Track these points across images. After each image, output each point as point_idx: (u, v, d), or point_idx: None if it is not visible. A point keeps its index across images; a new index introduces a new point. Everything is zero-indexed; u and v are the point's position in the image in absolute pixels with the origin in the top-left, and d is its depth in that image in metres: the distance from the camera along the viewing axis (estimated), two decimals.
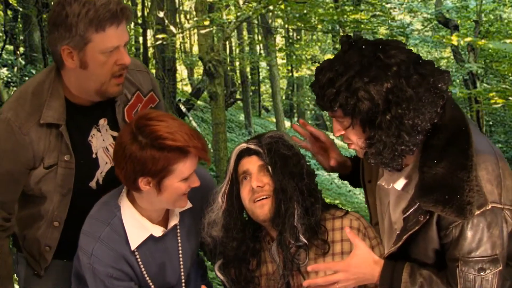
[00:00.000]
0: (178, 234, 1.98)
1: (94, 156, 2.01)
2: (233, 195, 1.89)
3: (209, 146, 12.02)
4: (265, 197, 1.83)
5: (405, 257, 1.73)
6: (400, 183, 1.72)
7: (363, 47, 1.59)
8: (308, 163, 1.95)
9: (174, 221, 1.94)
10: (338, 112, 1.61)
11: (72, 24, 1.78)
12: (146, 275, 1.93)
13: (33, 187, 1.96)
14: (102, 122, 2.02)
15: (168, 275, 1.99)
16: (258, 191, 1.83)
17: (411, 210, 1.66)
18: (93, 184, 2.02)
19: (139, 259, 1.90)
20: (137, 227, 1.87)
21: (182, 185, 1.79)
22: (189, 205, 1.93)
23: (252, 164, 1.86)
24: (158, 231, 1.90)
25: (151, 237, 1.90)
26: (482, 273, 1.60)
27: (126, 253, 1.87)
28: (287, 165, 1.84)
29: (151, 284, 1.95)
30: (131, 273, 1.90)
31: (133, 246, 1.87)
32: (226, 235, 1.88)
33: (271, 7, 10.22)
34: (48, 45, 1.96)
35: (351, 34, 1.70)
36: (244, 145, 1.89)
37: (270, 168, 1.84)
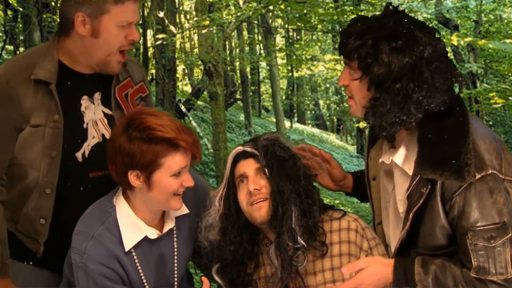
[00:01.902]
0: (175, 239, 1.97)
1: (85, 126, 2.03)
2: (230, 199, 1.89)
3: (209, 146, 12.02)
4: (262, 199, 1.83)
5: (414, 244, 1.74)
6: (399, 156, 1.75)
7: (404, 18, 1.67)
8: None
9: (169, 225, 1.93)
10: (354, 62, 1.67)
11: None
12: (143, 277, 1.91)
13: (18, 153, 1.96)
14: (97, 95, 2.06)
15: (161, 280, 1.97)
16: (255, 194, 1.83)
17: (413, 185, 1.68)
18: (79, 155, 2.02)
19: (136, 260, 1.88)
20: (132, 227, 1.86)
21: (172, 181, 1.78)
22: (185, 210, 1.93)
23: (248, 167, 1.86)
24: (153, 233, 1.89)
25: (146, 239, 1.89)
26: (492, 241, 1.60)
27: (119, 254, 1.85)
28: (284, 167, 1.84)
29: (146, 284, 1.93)
30: (123, 276, 1.87)
31: (127, 247, 1.85)
32: (224, 239, 1.88)
33: (271, 7, 10.21)
34: (60, 9, 2.01)
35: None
36: (240, 148, 1.89)
37: (266, 171, 1.84)
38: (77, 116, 2.02)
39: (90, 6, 1.88)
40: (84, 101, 2.04)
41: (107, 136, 2.05)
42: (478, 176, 1.60)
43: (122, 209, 1.87)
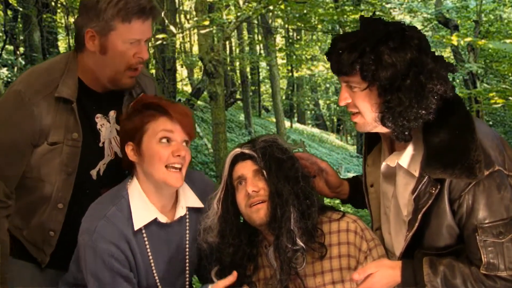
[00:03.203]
0: (187, 230, 1.97)
1: (101, 145, 2.05)
2: (228, 201, 1.88)
3: (209, 146, 12.01)
4: (260, 201, 1.82)
5: (419, 245, 1.74)
6: (405, 158, 1.75)
7: (387, 21, 1.70)
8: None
9: (180, 213, 1.94)
10: (355, 76, 1.66)
11: (101, 10, 1.89)
12: (151, 261, 1.91)
13: (32, 168, 1.96)
14: (112, 114, 2.08)
15: (171, 268, 1.97)
16: (253, 196, 1.82)
17: (421, 186, 1.67)
18: (94, 173, 2.04)
19: (146, 242, 1.89)
20: (143, 209, 1.88)
21: (160, 148, 1.82)
22: (199, 204, 1.97)
23: (246, 169, 1.85)
24: (163, 218, 1.91)
25: (157, 224, 1.90)
26: (501, 237, 1.61)
27: (129, 235, 1.86)
28: (282, 169, 1.83)
29: (154, 270, 1.92)
30: (131, 260, 1.88)
31: (136, 226, 1.86)
32: (222, 241, 1.88)
33: (271, 7, 10.21)
34: (74, 25, 2.06)
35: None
36: (238, 150, 1.89)
37: (265, 173, 1.83)
38: (94, 135, 2.04)
39: (98, 23, 1.90)
40: (99, 119, 2.05)
41: (120, 154, 2.06)
42: (486, 172, 1.61)
43: (135, 193, 1.89)
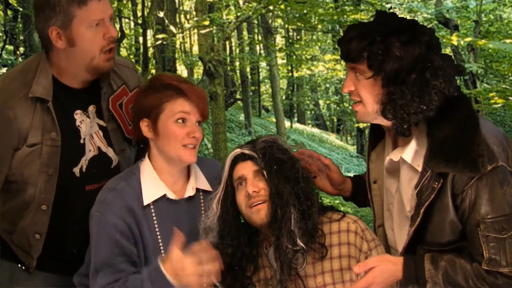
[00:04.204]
0: (202, 209, 1.98)
1: (82, 141, 2.03)
2: (228, 202, 1.88)
3: (209, 146, 12.02)
4: (261, 202, 1.82)
5: (421, 241, 1.75)
6: (408, 153, 1.76)
7: (401, 17, 1.73)
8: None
9: (189, 192, 1.96)
10: (362, 64, 1.68)
11: (55, 3, 1.86)
12: (159, 236, 1.91)
13: (14, 171, 1.95)
14: (91, 109, 2.05)
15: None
16: (254, 196, 1.82)
17: (424, 181, 1.68)
18: (76, 170, 2.02)
19: (154, 217, 1.90)
20: (153, 185, 1.91)
21: (177, 128, 1.86)
22: (209, 187, 1.99)
23: (247, 169, 1.85)
24: (172, 194, 1.93)
25: (166, 200, 1.92)
26: (503, 233, 1.62)
27: (137, 210, 1.88)
28: (282, 169, 1.83)
29: (161, 246, 1.92)
30: (137, 235, 1.88)
31: (146, 201, 1.89)
32: (221, 242, 1.87)
33: (271, 7, 10.21)
34: (36, 30, 2.02)
35: None
36: (238, 151, 1.88)
37: (265, 173, 1.83)
38: (73, 132, 2.01)
39: (58, 18, 1.87)
40: (78, 116, 2.03)
41: (103, 148, 2.07)
42: (489, 167, 1.62)
43: (146, 169, 1.93)
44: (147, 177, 1.92)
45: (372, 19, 1.77)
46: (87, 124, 2.03)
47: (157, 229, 1.91)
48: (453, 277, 1.67)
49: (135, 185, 1.90)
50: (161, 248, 1.92)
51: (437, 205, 1.69)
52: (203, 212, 1.97)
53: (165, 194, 1.92)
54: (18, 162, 1.94)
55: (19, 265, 2.08)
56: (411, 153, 1.76)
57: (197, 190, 1.99)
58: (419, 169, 1.72)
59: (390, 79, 1.65)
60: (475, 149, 1.61)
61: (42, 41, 1.97)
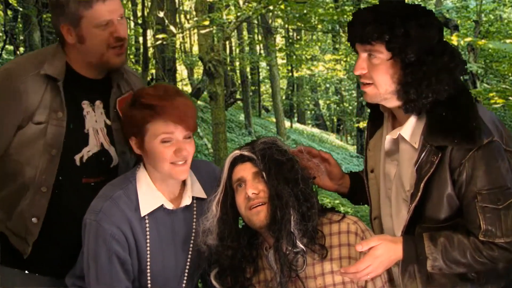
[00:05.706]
0: (194, 219, 1.98)
1: (85, 131, 2.06)
2: (227, 203, 1.88)
3: (209, 146, 12.01)
4: (260, 204, 1.82)
5: (419, 220, 1.79)
6: (407, 130, 1.80)
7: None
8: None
9: (185, 202, 1.95)
10: (380, 46, 1.71)
11: (64, 4, 1.94)
12: (148, 246, 1.91)
13: (15, 151, 1.97)
14: (98, 103, 2.09)
15: (172, 256, 1.97)
16: (253, 198, 1.81)
17: (423, 156, 1.73)
18: (77, 158, 2.03)
19: (147, 228, 1.90)
20: (150, 195, 1.91)
21: (163, 149, 1.82)
22: (203, 195, 1.98)
23: (246, 171, 1.85)
24: (169, 204, 1.93)
25: (163, 211, 1.92)
26: (499, 204, 1.68)
27: (133, 220, 1.88)
28: (282, 171, 1.83)
29: (148, 258, 1.92)
30: (132, 245, 1.89)
31: (143, 213, 1.89)
32: (221, 244, 1.87)
33: (271, 7, 10.20)
34: (51, 23, 2.13)
35: None
36: (237, 152, 1.88)
37: (264, 175, 1.82)
38: (79, 120, 2.05)
39: (67, 16, 1.95)
40: (85, 106, 2.07)
41: (106, 146, 2.09)
42: (486, 140, 1.68)
43: (143, 179, 1.92)
44: (143, 186, 1.91)
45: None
46: (91, 116, 2.07)
47: (148, 240, 1.91)
48: (451, 253, 1.73)
49: (131, 195, 1.90)
50: (148, 259, 1.92)
51: (436, 179, 1.73)
52: (195, 219, 1.98)
53: (162, 204, 1.92)
54: (21, 140, 1.97)
55: (15, 269, 2.07)
56: (409, 130, 1.80)
57: (192, 198, 1.99)
58: (416, 146, 1.77)
59: (411, 61, 1.70)
60: (472, 121, 1.69)
61: (58, 37, 2.05)
